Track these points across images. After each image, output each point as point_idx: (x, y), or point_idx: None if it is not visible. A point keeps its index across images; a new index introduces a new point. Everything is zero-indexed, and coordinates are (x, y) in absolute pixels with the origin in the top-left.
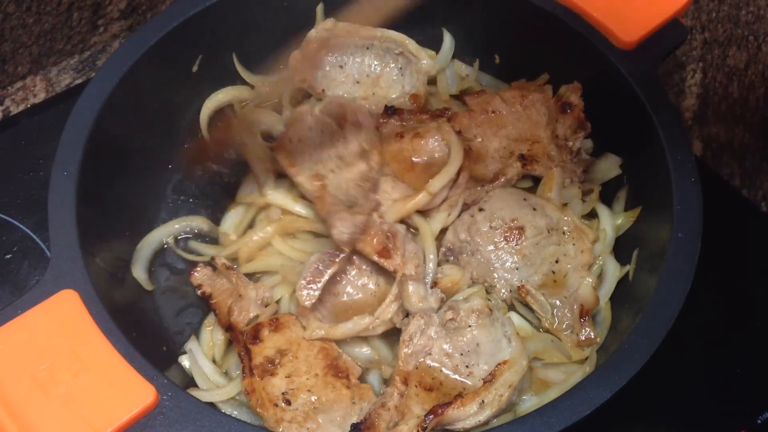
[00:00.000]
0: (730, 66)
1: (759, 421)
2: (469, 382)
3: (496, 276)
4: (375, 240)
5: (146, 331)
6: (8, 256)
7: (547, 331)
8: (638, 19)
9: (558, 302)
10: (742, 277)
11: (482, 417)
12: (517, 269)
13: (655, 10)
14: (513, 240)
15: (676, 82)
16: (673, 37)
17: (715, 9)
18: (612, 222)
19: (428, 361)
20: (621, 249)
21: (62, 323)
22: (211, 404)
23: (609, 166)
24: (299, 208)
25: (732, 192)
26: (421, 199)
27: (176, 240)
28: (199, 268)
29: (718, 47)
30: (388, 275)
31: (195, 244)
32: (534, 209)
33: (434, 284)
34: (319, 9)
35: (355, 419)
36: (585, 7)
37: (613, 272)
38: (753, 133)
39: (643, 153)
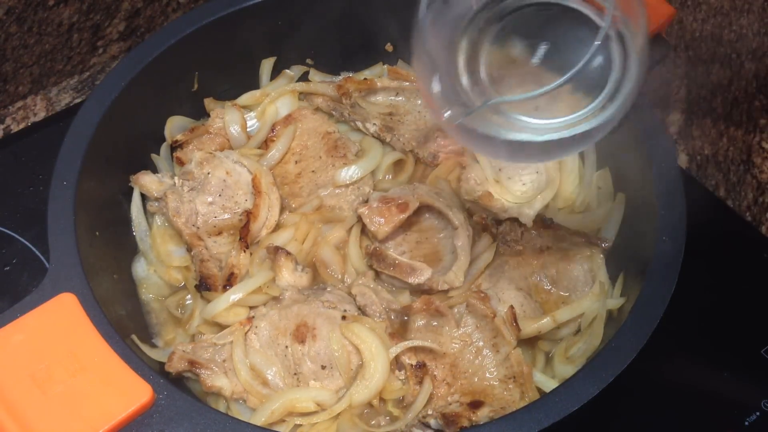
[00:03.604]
0: (713, 82)
1: (746, 423)
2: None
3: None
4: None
5: (143, 332)
6: (7, 268)
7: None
8: None
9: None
10: (727, 283)
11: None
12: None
13: None
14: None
15: (662, 97)
16: (656, 52)
17: (699, 28)
18: (613, 228)
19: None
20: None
21: (61, 325)
22: (206, 402)
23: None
24: None
25: (717, 202)
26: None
27: None
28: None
29: (702, 64)
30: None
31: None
32: None
33: None
34: None
35: None
36: None
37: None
38: (736, 146)
39: (632, 161)
